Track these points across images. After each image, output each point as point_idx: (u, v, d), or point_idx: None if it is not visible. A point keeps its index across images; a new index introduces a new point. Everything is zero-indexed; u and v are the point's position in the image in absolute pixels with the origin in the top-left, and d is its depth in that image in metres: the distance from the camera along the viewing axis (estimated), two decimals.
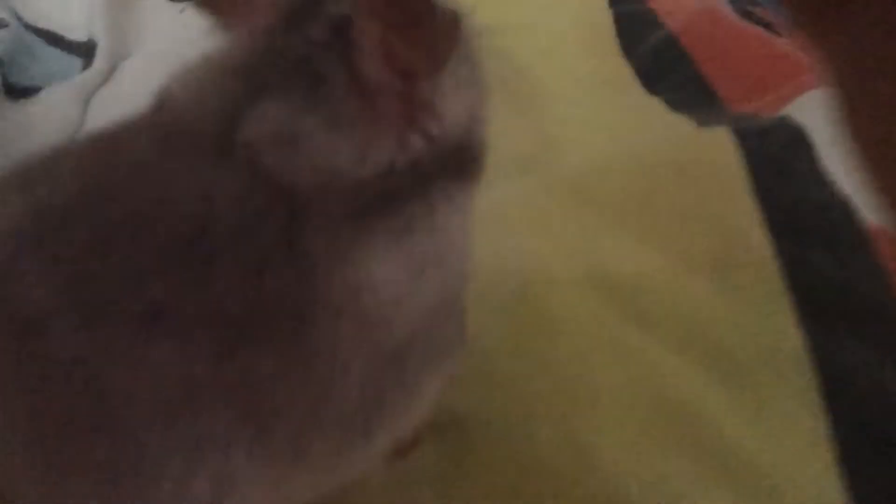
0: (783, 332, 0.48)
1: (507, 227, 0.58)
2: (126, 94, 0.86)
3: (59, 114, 0.82)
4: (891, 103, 0.21)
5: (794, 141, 0.61)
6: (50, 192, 0.30)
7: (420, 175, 0.31)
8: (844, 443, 0.42)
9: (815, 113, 0.63)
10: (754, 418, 0.44)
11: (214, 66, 0.32)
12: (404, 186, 0.30)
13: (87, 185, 0.29)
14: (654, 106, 0.79)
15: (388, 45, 0.28)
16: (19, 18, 0.99)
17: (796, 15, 0.24)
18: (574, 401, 0.45)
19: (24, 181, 0.31)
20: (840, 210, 0.54)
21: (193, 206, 0.28)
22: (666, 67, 0.87)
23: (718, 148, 0.60)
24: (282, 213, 0.28)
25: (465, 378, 0.48)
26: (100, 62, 0.92)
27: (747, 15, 0.89)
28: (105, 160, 0.31)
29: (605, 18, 0.99)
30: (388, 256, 0.29)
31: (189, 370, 0.27)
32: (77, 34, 1.01)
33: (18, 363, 0.28)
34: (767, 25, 0.85)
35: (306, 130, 0.29)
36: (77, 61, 0.95)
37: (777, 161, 0.59)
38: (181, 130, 0.30)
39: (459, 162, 0.33)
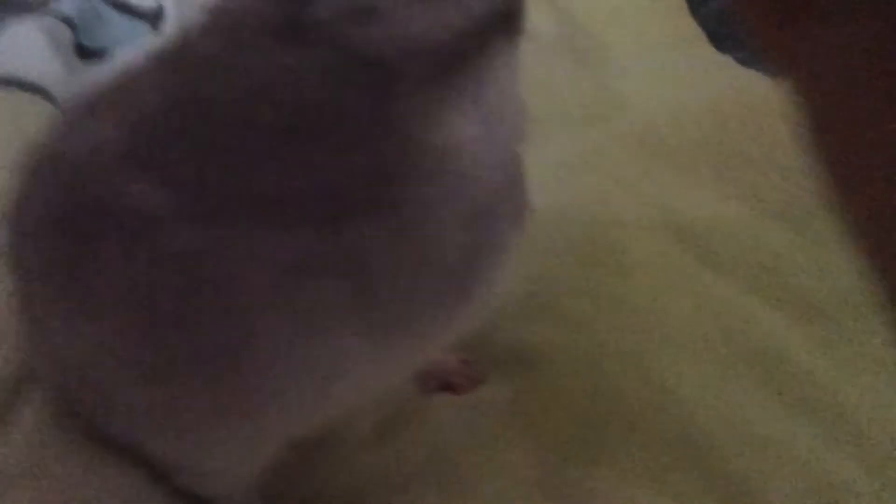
0: (863, 275, 0.46)
1: (577, 175, 0.57)
2: None
3: None
4: (852, 113, 0.21)
5: None
6: (133, 109, 0.31)
7: (480, 36, 0.31)
8: None
9: None
10: (835, 357, 0.43)
11: None
12: (470, 48, 0.30)
13: (169, 97, 0.30)
14: (724, 62, 0.77)
15: None
16: None
17: (754, 23, 0.23)
18: (646, 337, 0.45)
19: (99, 105, 0.33)
20: None
21: (279, 94, 0.29)
22: (732, 26, 0.86)
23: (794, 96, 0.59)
24: (371, 85, 0.29)
25: (536, 316, 0.48)
26: (169, 28, 0.95)
27: None
28: (179, 69, 0.31)
29: None
30: (468, 112, 0.30)
31: (297, 250, 0.28)
32: (145, 1, 1.04)
33: (130, 266, 0.29)
34: None
35: (382, 2, 0.29)
36: (144, 27, 0.98)
37: None
38: (243, 22, 0.30)
39: (507, 22, 0.33)
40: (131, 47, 0.92)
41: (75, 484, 0.36)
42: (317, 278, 0.29)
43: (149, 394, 0.32)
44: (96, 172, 0.30)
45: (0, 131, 0.58)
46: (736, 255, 0.50)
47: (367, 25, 0.28)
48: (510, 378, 0.45)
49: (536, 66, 0.70)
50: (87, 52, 0.89)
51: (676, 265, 0.50)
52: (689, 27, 0.89)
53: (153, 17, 1.01)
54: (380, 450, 0.43)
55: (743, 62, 0.79)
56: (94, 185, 0.30)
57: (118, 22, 1.00)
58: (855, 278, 0.47)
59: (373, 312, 0.30)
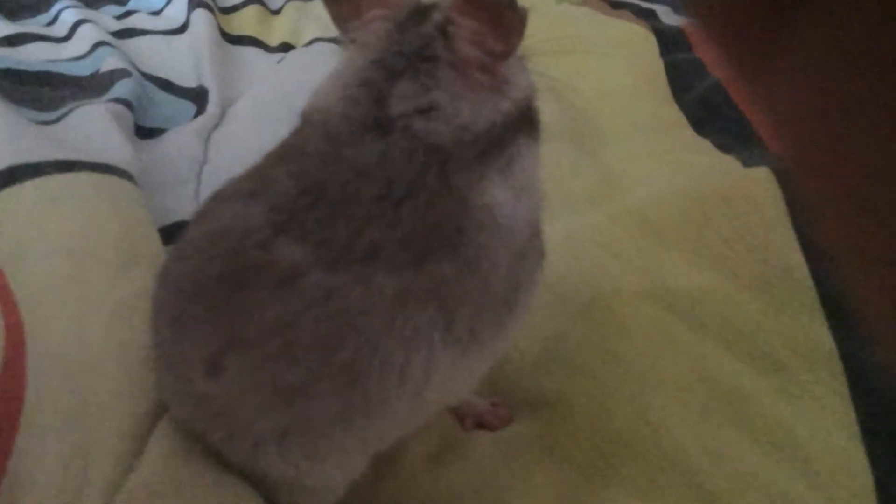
0: (817, 337, 0.57)
1: (582, 249, 0.68)
2: (238, 135, 0.98)
3: (186, 152, 0.93)
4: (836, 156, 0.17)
5: None
6: (275, 193, 0.41)
7: (509, 130, 0.42)
8: (865, 421, 0.52)
9: None
10: (792, 403, 0.54)
11: (349, 69, 0.43)
12: (502, 137, 0.41)
13: (298, 183, 0.40)
14: (705, 147, 0.88)
15: (478, 36, 0.40)
16: (137, 68, 1.11)
17: (720, 43, 0.20)
18: (644, 387, 0.55)
19: (246, 192, 0.42)
20: None
21: (376, 172, 0.39)
22: (713, 112, 0.97)
23: (762, 185, 0.70)
24: (436, 163, 0.39)
25: (553, 368, 0.58)
26: (212, 107, 1.04)
27: None
28: (300, 162, 0.42)
29: (657, 67, 1.10)
30: (501, 184, 0.41)
31: (400, 283, 0.38)
32: (186, 81, 1.14)
33: (279, 304, 0.38)
34: None
35: (439, 101, 0.40)
36: (189, 106, 1.07)
37: None
38: (335, 122, 0.41)
39: (529, 122, 0.44)
40: (181, 126, 1.00)
41: None
42: (413, 306, 0.39)
43: (282, 414, 0.40)
44: (251, 239, 0.39)
45: (98, 213, 0.63)
46: (713, 319, 0.61)
47: (429, 119, 0.40)
48: (535, 419, 0.55)
49: (545, 153, 0.81)
50: (142, 131, 0.97)
51: (666, 327, 0.60)
52: (673, 112, 1.00)
53: (196, 97, 1.10)
54: (431, 474, 0.52)
55: (722, 145, 0.90)
56: (250, 248, 0.39)
57: (167, 102, 1.08)
58: (813, 340, 0.58)
59: (453, 329, 0.40)
